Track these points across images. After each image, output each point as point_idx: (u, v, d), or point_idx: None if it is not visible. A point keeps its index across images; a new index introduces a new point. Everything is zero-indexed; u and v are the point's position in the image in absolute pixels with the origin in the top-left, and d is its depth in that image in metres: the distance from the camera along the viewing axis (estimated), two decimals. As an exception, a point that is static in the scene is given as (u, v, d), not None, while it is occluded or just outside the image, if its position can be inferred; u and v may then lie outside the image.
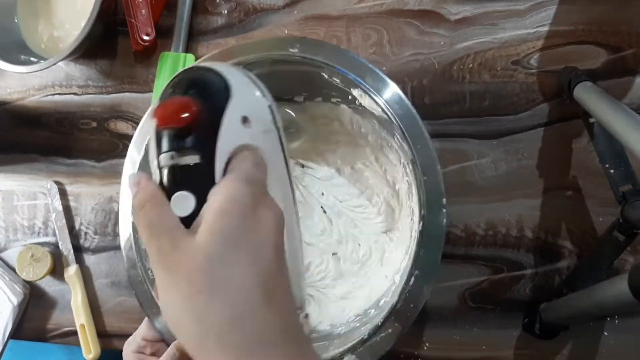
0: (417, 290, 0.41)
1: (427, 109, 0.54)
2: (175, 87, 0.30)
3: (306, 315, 0.35)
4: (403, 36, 0.55)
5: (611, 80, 0.51)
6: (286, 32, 0.58)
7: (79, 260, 0.60)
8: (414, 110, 0.43)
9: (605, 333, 0.50)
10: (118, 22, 0.62)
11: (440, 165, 0.42)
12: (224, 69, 0.31)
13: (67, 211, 0.61)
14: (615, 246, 0.42)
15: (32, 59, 0.59)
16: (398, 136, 0.43)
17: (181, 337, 0.26)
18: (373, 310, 0.48)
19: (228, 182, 0.27)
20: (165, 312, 0.26)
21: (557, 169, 0.52)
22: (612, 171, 0.44)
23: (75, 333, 0.58)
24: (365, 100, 0.45)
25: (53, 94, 0.63)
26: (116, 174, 0.61)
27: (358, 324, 0.48)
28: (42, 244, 0.61)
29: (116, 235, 0.60)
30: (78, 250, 0.60)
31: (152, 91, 0.60)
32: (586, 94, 0.46)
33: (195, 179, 0.28)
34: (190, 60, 0.59)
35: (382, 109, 0.43)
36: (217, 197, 0.26)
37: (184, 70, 0.31)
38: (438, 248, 0.41)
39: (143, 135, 0.48)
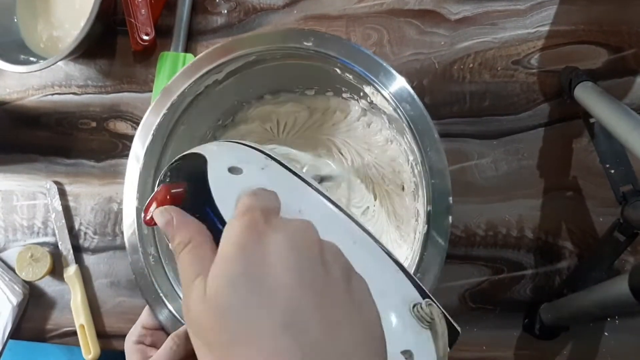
0: (417, 291, 0.41)
1: (428, 109, 0.53)
2: (152, 192, 0.30)
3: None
4: (403, 36, 0.55)
5: (612, 80, 0.51)
6: (286, 31, 0.58)
7: (79, 261, 0.60)
8: (425, 112, 0.43)
9: (606, 333, 0.50)
10: (117, 22, 0.61)
11: (441, 165, 0.42)
12: (192, 150, 0.31)
13: (67, 211, 0.61)
14: (616, 246, 0.42)
15: (31, 58, 0.59)
16: (408, 136, 0.43)
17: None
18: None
19: (227, 226, 0.24)
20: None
21: (558, 169, 0.52)
22: (612, 171, 0.44)
23: (74, 333, 0.58)
24: (377, 98, 0.45)
25: (52, 94, 0.63)
26: (116, 174, 0.61)
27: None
28: (42, 244, 0.61)
29: (116, 235, 0.60)
30: (77, 250, 0.60)
31: (151, 91, 0.60)
32: (587, 94, 0.46)
33: None
34: (189, 60, 0.59)
35: (394, 108, 0.43)
36: (220, 244, 0.24)
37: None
38: (442, 252, 0.40)
39: (146, 130, 0.48)
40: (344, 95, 0.51)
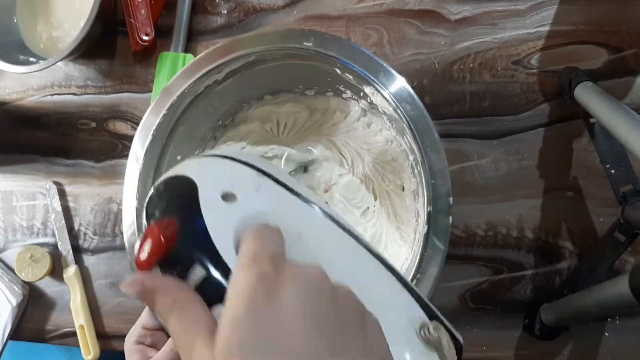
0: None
1: (428, 109, 0.53)
2: (141, 228, 0.27)
3: None
4: (403, 36, 0.55)
5: (612, 80, 0.51)
6: (286, 32, 0.58)
7: (78, 261, 0.60)
8: (426, 112, 0.43)
9: (606, 334, 0.50)
10: (117, 22, 0.61)
11: (441, 165, 0.42)
12: (178, 170, 0.28)
13: (66, 212, 0.61)
14: (616, 247, 0.42)
15: (31, 59, 0.59)
16: (408, 136, 0.43)
17: None
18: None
19: (232, 279, 0.23)
20: None
21: (558, 169, 0.52)
22: (612, 171, 0.44)
23: (74, 334, 0.58)
24: (377, 98, 0.45)
25: (52, 94, 0.63)
26: (115, 174, 0.61)
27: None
28: (41, 245, 0.61)
29: (115, 235, 0.60)
30: (77, 250, 0.60)
31: (151, 91, 0.60)
32: (587, 94, 0.46)
33: (213, 290, 0.23)
34: (189, 60, 0.59)
35: (394, 108, 0.43)
36: (226, 302, 0.22)
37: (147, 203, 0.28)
38: (442, 252, 0.40)
39: (146, 130, 0.48)
40: (344, 95, 0.51)
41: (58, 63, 0.56)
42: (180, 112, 0.49)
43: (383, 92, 0.43)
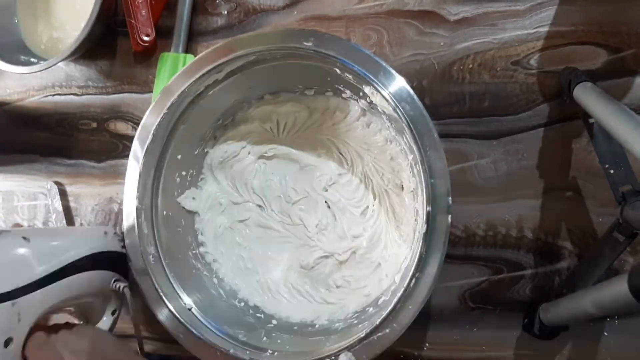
0: (416, 292, 0.41)
1: (427, 109, 0.53)
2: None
3: None
4: (403, 37, 0.55)
5: (611, 81, 0.51)
6: (286, 32, 0.58)
7: (79, 261, 0.60)
8: (425, 112, 0.43)
9: (605, 333, 0.50)
10: (118, 23, 0.62)
11: (441, 165, 0.42)
12: None
13: (67, 212, 0.61)
14: (615, 247, 0.42)
15: (32, 59, 0.60)
16: (407, 136, 0.43)
17: None
18: (371, 309, 0.48)
19: None
20: None
21: (557, 169, 0.52)
22: (611, 171, 0.44)
23: (75, 333, 0.58)
24: (376, 98, 0.45)
25: (53, 95, 0.63)
26: (116, 174, 0.61)
27: (356, 321, 0.48)
28: (42, 245, 0.61)
29: (116, 235, 0.60)
30: (78, 250, 0.60)
31: (152, 92, 0.60)
32: (586, 95, 0.46)
33: None
34: (190, 61, 0.59)
35: (393, 108, 0.43)
36: None
37: None
38: (441, 251, 0.40)
39: (146, 130, 0.48)
40: (344, 95, 0.51)
41: (59, 63, 0.56)
42: (180, 111, 0.50)
43: (382, 92, 0.43)
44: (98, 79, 0.62)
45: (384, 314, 0.41)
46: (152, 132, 0.48)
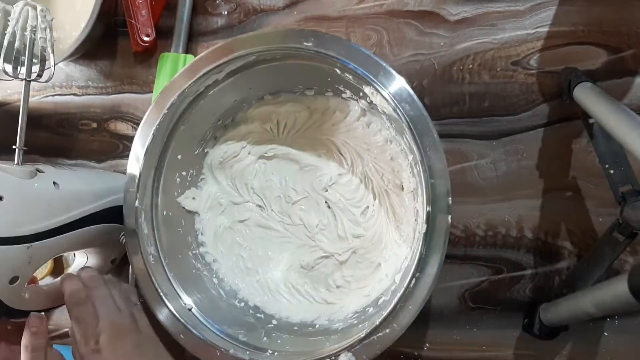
0: (416, 292, 0.41)
1: (427, 109, 0.53)
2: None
3: None
4: (403, 37, 0.55)
5: (611, 81, 0.51)
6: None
7: (79, 261, 0.60)
8: (425, 112, 0.43)
9: (605, 333, 0.50)
10: (118, 23, 0.62)
11: (441, 165, 0.42)
12: None
13: (67, 212, 0.61)
14: (615, 247, 0.42)
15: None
16: (407, 136, 0.43)
17: None
18: (371, 309, 0.48)
19: None
20: None
21: (557, 169, 0.52)
22: (611, 172, 0.44)
23: (75, 334, 0.58)
24: (376, 98, 0.45)
25: (53, 95, 0.63)
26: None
27: (356, 321, 0.48)
28: (42, 245, 0.61)
29: (116, 235, 0.60)
30: (78, 250, 0.60)
31: (152, 92, 0.60)
32: (586, 95, 0.46)
33: None
34: (190, 61, 0.59)
35: (393, 108, 0.43)
36: None
37: None
38: (441, 251, 0.40)
39: (147, 130, 0.48)
40: (344, 95, 0.51)
41: (59, 64, 0.56)
42: (180, 111, 0.50)
43: (382, 92, 0.43)
44: (98, 79, 0.62)
45: (384, 314, 0.41)
46: (152, 132, 0.48)
